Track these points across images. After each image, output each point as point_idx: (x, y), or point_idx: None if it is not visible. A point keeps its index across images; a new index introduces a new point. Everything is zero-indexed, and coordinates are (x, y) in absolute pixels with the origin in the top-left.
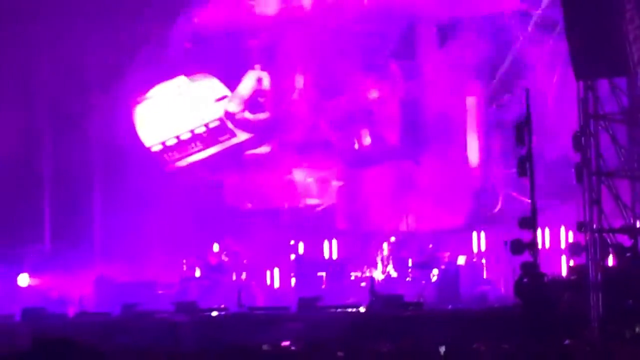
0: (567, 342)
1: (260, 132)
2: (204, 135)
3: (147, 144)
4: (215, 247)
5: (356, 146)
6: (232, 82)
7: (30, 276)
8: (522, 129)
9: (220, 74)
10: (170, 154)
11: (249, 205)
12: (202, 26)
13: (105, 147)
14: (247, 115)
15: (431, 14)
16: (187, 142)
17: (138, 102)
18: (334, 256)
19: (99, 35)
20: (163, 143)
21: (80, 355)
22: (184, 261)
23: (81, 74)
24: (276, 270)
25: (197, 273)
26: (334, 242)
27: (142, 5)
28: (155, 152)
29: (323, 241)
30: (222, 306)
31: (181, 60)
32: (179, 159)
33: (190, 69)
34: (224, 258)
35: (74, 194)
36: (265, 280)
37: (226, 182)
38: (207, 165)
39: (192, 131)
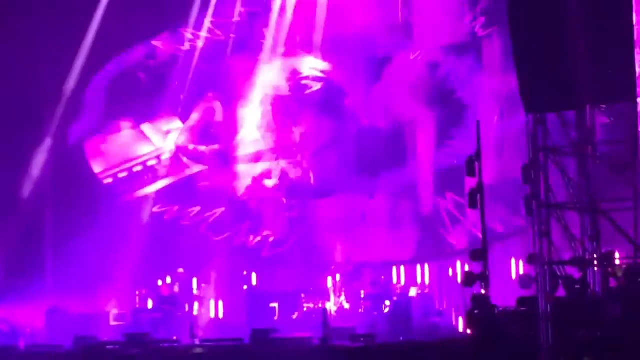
0: None
1: (213, 164)
2: (156, 167)
3: (99, 176)
4: (168, 279)
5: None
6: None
7: None
8: (473, 162)
9: (170, 104)
10: (122, 186)
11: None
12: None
13: (57, 179)
14: (200, 147)
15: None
16: (139, 175)
17: (89, 136)
18: (287, 288)
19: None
20: (114, 176)
21: None
22: (137, 293)
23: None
24: (225, 302)
25: (150, 305)
26: (287, 273)
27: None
28: (108, 184)
29: (275, 272)
30: (174, 338)
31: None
32: (132, 192)
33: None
34: (176, 290)
35: (25, 224)
36: (218, 312)
37: (176, 214)
38: (160, 196)
39: (144, 163)
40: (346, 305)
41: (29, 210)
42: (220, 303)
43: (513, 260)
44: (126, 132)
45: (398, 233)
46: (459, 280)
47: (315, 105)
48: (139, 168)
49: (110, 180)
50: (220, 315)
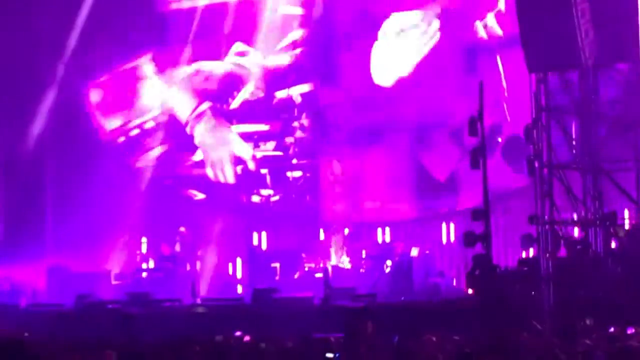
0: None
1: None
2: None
3: (104, 132)
4: (174, 237)
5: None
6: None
7: None
8: (475, 121)
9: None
10: (127, 144)
11: (204, 196)
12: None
13: (59, 135)
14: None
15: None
16: (148, 132)
17: (96, 85)
18: (289, 247)
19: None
20: (123, 132)
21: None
22: (138, 252)
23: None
24: (232, 261)
25: (151, 264)
26: (288, 232)
27: None
28: (110, 139)
29: (277, 232)
30: (176, 298)
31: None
32: (137, 149)
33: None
34: (178, 249)
35: (26, 182)
36: (219, 271)
37: (182, 173)
38: (165, 154)
39: (154, 119)
40: (347, 265)
41: (29, 167)
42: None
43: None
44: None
45: (400, 192)
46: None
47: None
48: (150, 124)
49: (123, 138)
50: (222, 275)
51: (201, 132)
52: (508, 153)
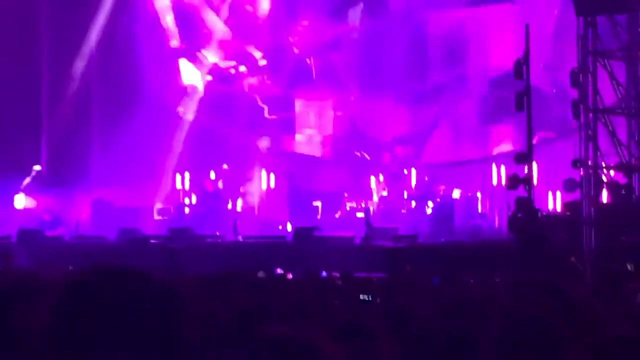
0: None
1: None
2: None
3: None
4: (212, 175)
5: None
6: None
7: (26, 197)
8: (520, 65)
9: None
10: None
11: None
12: None
13: (106, 69)
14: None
15: None
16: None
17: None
18: (330, 187)
19: None
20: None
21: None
22: (181, 188)
23: None
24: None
25: (194, 200)
26: (331, 172)
27: None
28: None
29: (319, 171)
30: (218, 234)
31: None
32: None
33: None
34: (220, 186)
35: (72, 116)
36: (261, 209)
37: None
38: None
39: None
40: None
41: (75, 101)
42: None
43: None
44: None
45: (443, 135)
46: (503, 182)
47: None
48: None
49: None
50: (264, 212)
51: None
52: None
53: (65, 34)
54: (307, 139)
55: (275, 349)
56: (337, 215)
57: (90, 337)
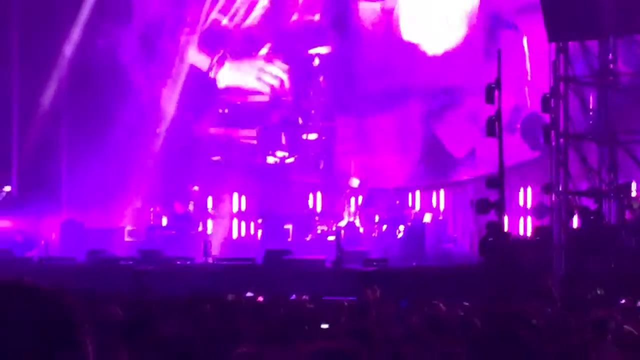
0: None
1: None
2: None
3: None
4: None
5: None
6: None
7: None
8: (492, 89)
9: None
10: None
11: (219, 158)
12: None
13: (76, 89)
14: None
15: None
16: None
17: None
18: (301, 210)
19: None
20: None
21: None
22: (151, 209)
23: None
24: (245, 222)
25: (164, 222)
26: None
27: None
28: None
29: (291, 194)
30: (188, 256)
31: None
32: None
33: None
34: (191, 208)
35: (42, 137)
36: (232, 231)
37: (198, 134)
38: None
39: None
40: (360, 229)
41: (45, 121)
42: (235, 223)
43: (529, 190)
44: None
45: (413, 158)
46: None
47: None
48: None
49: None
50: (234, 235)
51: (225, 73)
52: (525, 130)
53: (37, 55)
54: (280, 161)
55: None
56: (308, 238)
57: None
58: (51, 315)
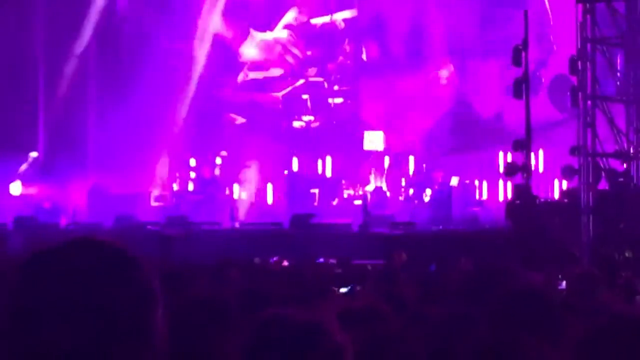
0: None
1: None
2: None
3: None
4: (215, 160)
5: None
6: None
7: (23, 185)
8: (519, 51)
9: None
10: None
11: (244, 120)
12: None
13: (103, 55)
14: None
15: None
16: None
17: None
18: (328, 173)
19: None
20: None
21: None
22: (178, 175)
23: None
24: (269, 186)
25: (191, 187)
26: (328, 159)
27: None
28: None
29: (317, 158)
30: (215, 221)
31: None
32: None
33: None
34: (218, 172)
35: (69, 102)
36: (259, 196)
37: (224, 99)
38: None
39: None
40: (387, 193)
41: (71, 86)
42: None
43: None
44: None
45: (440, 121)
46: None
47: None
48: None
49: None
50: (269, 200)
51: (248, 47)
52: (553, 92)
53: (62, 18)
54: (305, 125)
55: (284, 330)
56: (334, 202)
57: (36, 312)
58: (137, 279)
